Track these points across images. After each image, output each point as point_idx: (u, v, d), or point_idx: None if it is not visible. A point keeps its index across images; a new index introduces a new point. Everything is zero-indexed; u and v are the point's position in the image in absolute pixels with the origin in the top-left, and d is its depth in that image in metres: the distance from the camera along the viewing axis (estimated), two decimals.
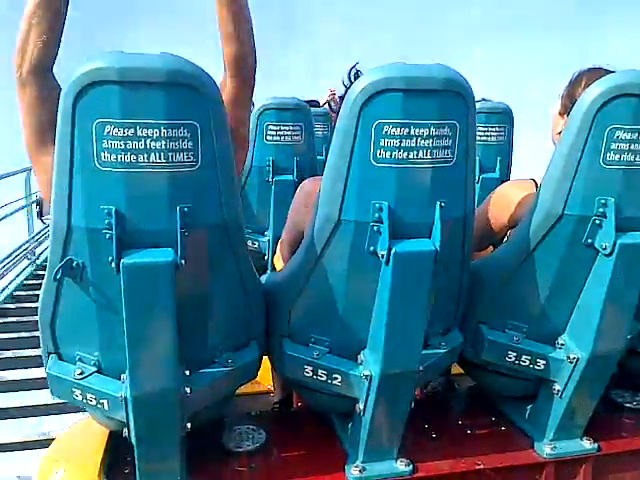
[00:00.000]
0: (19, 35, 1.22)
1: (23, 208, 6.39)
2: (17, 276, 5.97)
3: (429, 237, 1.26)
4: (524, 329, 1.52)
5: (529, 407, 1.62)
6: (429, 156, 1.23)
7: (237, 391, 1.58)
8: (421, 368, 1.35)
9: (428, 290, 1.27)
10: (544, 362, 1.50)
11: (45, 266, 1.24)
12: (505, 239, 1.66)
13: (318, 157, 3.18)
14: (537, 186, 1.51)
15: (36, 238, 6.60)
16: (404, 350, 1.32)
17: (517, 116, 3.23)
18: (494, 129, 3.25)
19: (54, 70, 1.27)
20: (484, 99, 3.37)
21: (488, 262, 1.57)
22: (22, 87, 1.24)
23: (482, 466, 1.47)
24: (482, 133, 3.21)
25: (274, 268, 2.32)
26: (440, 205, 1.24)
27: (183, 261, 1.14)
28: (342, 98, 1.58)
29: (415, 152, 1.21)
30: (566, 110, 1.47)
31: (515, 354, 1.52)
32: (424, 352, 1.38)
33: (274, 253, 2.26)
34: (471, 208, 1.37)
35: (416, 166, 1.23)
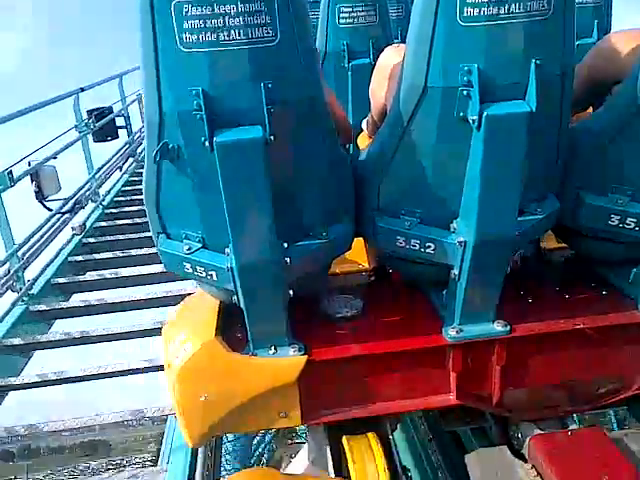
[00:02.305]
0: None
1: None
2: (123, 174, 6.61)
3: (524, 99, 1.19)
4: (629, 192, 1.44)
5: (634, 270, 1.55)
6: (522, 9, 1.13)
7: (333, 270, 1.65)
8: (517, 234, 1.34)
9: (523, 154, 1.23)
10: None
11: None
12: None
13: (394, 41, 3.02)
14: None
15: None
16: (499, 216, 1.31)
17: None
18: None
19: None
20: None
21: (589, 123, 1.48)
22: None
23: (582, 325, 1.47)
24: None
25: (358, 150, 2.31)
26: (535, 63, 1.16)
27: (272, 137, 1.17)
28: None
29: (506, 6, 1.13)
30: None
31: (619, 217, 1.45)
32: (520, 218, 1.35)
33: (355, 138, 2.25)
34: (570, 64, 1.27)
35: (508, 22, 1.14)
